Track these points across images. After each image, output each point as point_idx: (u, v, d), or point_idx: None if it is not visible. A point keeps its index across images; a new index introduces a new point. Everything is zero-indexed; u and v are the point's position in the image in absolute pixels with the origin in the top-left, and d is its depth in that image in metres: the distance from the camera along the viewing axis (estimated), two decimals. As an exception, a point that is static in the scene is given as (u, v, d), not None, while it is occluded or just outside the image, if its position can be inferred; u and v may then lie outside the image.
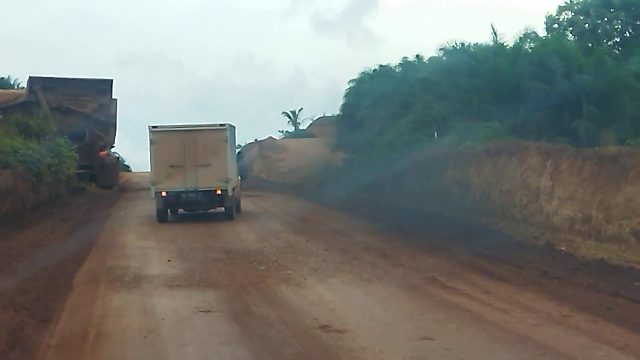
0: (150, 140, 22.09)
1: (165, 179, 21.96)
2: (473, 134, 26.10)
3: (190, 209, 23.29)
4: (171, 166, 21.94)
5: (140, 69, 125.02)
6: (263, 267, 13.38)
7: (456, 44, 37.19)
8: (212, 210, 22.94)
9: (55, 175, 27.42)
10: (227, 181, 22.03)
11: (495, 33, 34.04)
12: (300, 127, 75.27)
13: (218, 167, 22.01)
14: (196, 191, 22.05)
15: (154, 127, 22.42)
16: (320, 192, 33.66)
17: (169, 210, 22.88)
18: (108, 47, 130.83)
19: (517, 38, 30.65)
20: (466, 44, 37.02)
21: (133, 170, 55.81)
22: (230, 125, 23.03)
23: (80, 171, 34.67)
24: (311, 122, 73.61)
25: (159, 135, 22.19)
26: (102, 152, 37.22)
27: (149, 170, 23.04)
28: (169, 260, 14.36)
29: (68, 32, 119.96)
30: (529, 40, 32.01)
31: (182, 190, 21.97)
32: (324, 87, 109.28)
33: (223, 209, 22.62)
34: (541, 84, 25.62)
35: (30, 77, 35.39)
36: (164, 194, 21.92)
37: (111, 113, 36.48)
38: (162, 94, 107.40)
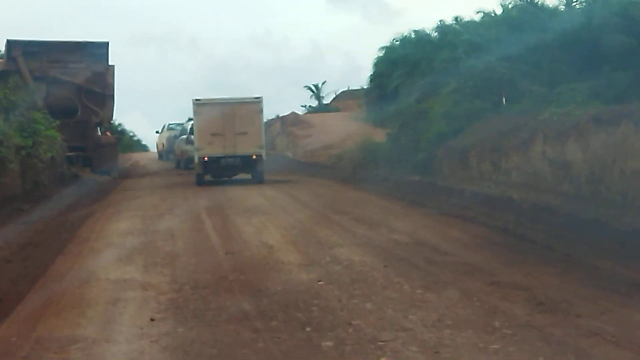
0: (194, 111, 25.57)
1: (207, 145, 25.04)
2: (555, 99, 21.64)
3: (227, 173, 26.01)
4: (212, 134, 25.04)
5: (155, 48, 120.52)
6: (330, 344, 6.86)
7: None
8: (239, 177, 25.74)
9: (27, 161, 21.15)
10: (261, 147, 25.40)
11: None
12: (324, 102, 71.55)
13: (253, 135, 25.16)
14: (234, 156, 25.14)
15: (197, 100, 25.48)
16: (363, 174, 27.75)
17: (209, 175, 25.87)
18: (121, 27, 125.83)
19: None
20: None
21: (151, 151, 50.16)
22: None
23: (71, 154, 28.39)
24: (335, 95, 70.47)
25: (202, 107, 25.40)
26: (106, 132, 31.22)
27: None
28: (152, 320, 7.90)
29: (78, 12, 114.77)
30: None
31: (222, 155, 25.12)
32: (342, 62, 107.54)
33: (250, 176, 25.68)
34: (626, 38, 22.03)
35: (8, 41, 28.94)
36: (205, 158, 25.09)
37: (108, 83, 30.03)
38: (178, 73, 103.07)
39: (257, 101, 25.48)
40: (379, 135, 34.38)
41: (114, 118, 33.12)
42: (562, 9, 32.11)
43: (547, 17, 32.07)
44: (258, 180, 25.05)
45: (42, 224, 16.09)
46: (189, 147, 30.92)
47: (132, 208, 18.66)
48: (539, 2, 32.23)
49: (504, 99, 27.66)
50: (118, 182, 27.90)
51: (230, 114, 24.99)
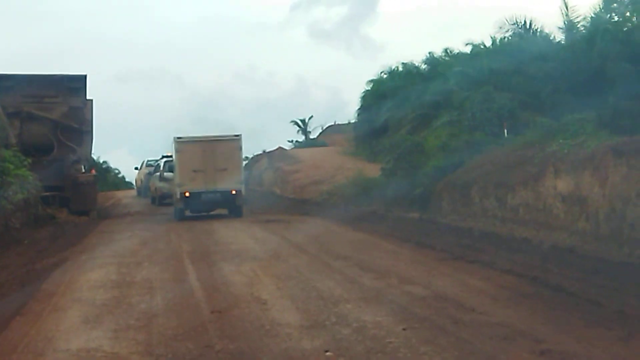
0: (176, 149, 26.17)
1: (190, 181, 25.69)
2: (562, 130, 20.13)
3: (208, 208, 26.67)
4: (194, 170, 25.79)
5: (141, 84, 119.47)
6: None
7: (517, 22, 31.06)
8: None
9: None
10: (241, 183, 26.42)
11: (566, 6, 28.41)
12: (311, 136, 71.09)
13: (233, 171, 26.02)
14: (215, 192, 25.89)
15: (178, 137, 26.32)
16: (359, 212, 26.06)
17: (188, 210, 26.43)
18: (106, 64, 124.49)
19: (593, 12, 26.57)
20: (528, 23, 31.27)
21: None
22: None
23: (47, 194, 26.54)
24: (322, 130, 70.16)
25: (183, 145, 26.08)
26: (92, 170, 29.40)
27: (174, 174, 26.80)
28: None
29: (65, 49, 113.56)
30: (610, 13, 26.84)
31: (203, 190, 25.75)
32: (327, 97, 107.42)
33: (227, 211, 26.84)
34: (630, 66, 21.01)
35: (-21, 75, 27.28)
36: (187, 194, 25.60)
37: (85, 118, 28.30)
38: (164, 109, 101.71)
39: (237, 139, 26.52)
40: (371, 170, 32.88)
41: (92, 155, 31.23)
42: (561, 37, 30.99)
43: (545, 44, 30.87)
44: (236, 214, 26.04)
45: (4, 274, 14.26)
46: (162, 184, 32.43)
47: (108, 254, 16.80)
48: (536, 29, 31.07)
49: (505, 131, 26.24)
50: (97, 223, 26.03)
51: (211, 151, 25.84)
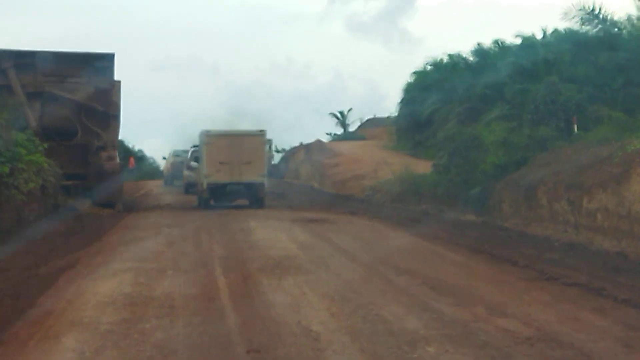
0: (204, 141, 27.29)
1: (215, 172, 26.62)
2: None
3: (231, 198, 27.49)
4: (220, 163, 26.68)
5: (177, 73, 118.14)
6: None
7: (584, 8, 28.69)
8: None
9: (1, 192, 17.02)
10: (264, 175, 27.23)
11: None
12: (349, 129, 69.99)
13: (257, 165, 26.88)
14: (239, 183, 26.86)
15: (207, 131, 27.49)
16: (409, 212, 23.77)
17: (213, 200, 27.34)
18: (143, 51, 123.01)
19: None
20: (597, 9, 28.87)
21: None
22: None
23: (69, 183, 24.23)
24: (360, 123, 69.71)
25: (211, 138, 27.19)
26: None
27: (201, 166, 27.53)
28: None
29: (101, 37, 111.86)
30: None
31: (228, 182, 26.76)
32: (363, 90, 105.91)
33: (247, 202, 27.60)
34: None
35: (-4, 51, 25.00)
36: (213, 185, 26.69)
37: (112, 101, 25.88)
38: (200, 99, 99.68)
39: (261, 134, 27.71)
40: (416, 165, 30.80)
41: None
42: (635, 23, 28.60)
43: (617, 34, 28.60)
44: (258, 205, 26.83)
45: (0, 280, 11.87)
46: (188, 173, 33.99)
47: (127, 257, 14.37)
48: (606, 16, 28.48)
49: (575, 126, 23.77)
50: (121, 216, 23.68)
51: (237, 144, 26.76)
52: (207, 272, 12.52)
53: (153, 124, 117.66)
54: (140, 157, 65.02)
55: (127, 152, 53.45)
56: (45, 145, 20.91)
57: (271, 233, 18.12)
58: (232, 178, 26.66)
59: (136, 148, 66.18)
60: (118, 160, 26.57)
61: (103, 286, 11.20)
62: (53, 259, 14.41)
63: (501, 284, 11.07)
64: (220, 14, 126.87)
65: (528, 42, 34.24)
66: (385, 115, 60.29)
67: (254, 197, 27.37)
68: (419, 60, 76.56)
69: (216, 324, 8.73)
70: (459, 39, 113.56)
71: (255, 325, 8.58)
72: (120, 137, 29.33)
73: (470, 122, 30.50)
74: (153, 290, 10.80)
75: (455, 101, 34.49)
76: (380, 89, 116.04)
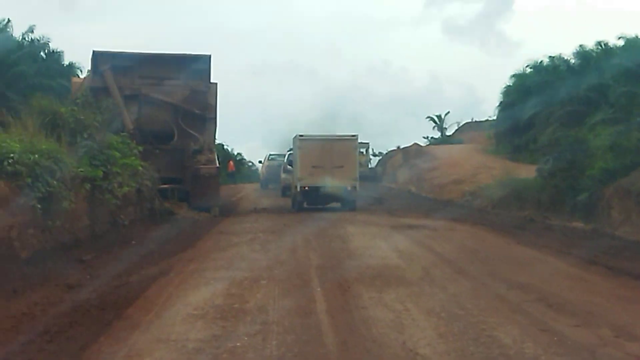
0: (298, 146, 27.87)
1: (309, 176, 27.19)
2: None
3: (324, 201, 27.83)
4: (313, 166, 27.20)
5: (275, 77, 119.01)
6: None
7: None
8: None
9: (97, 196, 16.74)
10: (356, 179, 27.47)
11: None
12: (446, 133, 69.03)
13: (349, 169, 27.22)
14: (332, 187, 26.95)
15: (300, 135, 28.00)
16: (512, 218, 22.69)
17: (306, 202, 27.96)
18: (242, 57, 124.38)
19: None
20: None
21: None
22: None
23: (165, 187, 24.03)
24: (457, 127, 68.31)
25: (305, 142, 27.69)
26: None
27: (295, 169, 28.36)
28: None
29: (198, 43, 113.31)
30: None
31: (321, 185, 27.03)
32: (460, 93, 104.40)
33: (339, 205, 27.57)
34: None
35: (94, 53, 24.95)
36: (306, 188, 27.18)
37: (209, 103, 25.64)
38: (297, 103, 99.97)
39: (353, 139, 28.18)
40: (516, 170, 29.63)
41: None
42: None
43: None
44: (350, 208, 27.02)
45: (89, 290, 11.45)
46: (285, 176, 34.59)
47: (221, 264, 13.82)
48: None
49: None
50: (217, 221, 23.30)
51: (329, 149, 27.28)
52: (303, 282, 11.81)
53: (252, 128, 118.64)
54: (239, 161, 65.55)
55: (226, 156, 54.02)
56: (141, 148, 20.68)
57: (370, 240, 17.32)
58: (324, 181, 26.95)
59: (235, 152, 66.80)
60: (217, 163, 26.25)
61: (194, 296, 10.63)
62: (146, 265, 14.01)
63: (624, 301, 9.99)
64: (316, 21, 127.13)
65: (632, 44, 32.63)
66: (483, 118, 59.31)
67: (345, 201, 27.53)
68: (517, 63, 74.73)
69: (312, 344, 8.00)
70: (557, 43, 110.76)
71: (354, 346, 7.82)
72: (219, 141, 29.35)
73: (572, 125, 29.23)
74: (246, 302, 10.15)
75: (556, 104, 33.24)
76: (477, 92, 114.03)
